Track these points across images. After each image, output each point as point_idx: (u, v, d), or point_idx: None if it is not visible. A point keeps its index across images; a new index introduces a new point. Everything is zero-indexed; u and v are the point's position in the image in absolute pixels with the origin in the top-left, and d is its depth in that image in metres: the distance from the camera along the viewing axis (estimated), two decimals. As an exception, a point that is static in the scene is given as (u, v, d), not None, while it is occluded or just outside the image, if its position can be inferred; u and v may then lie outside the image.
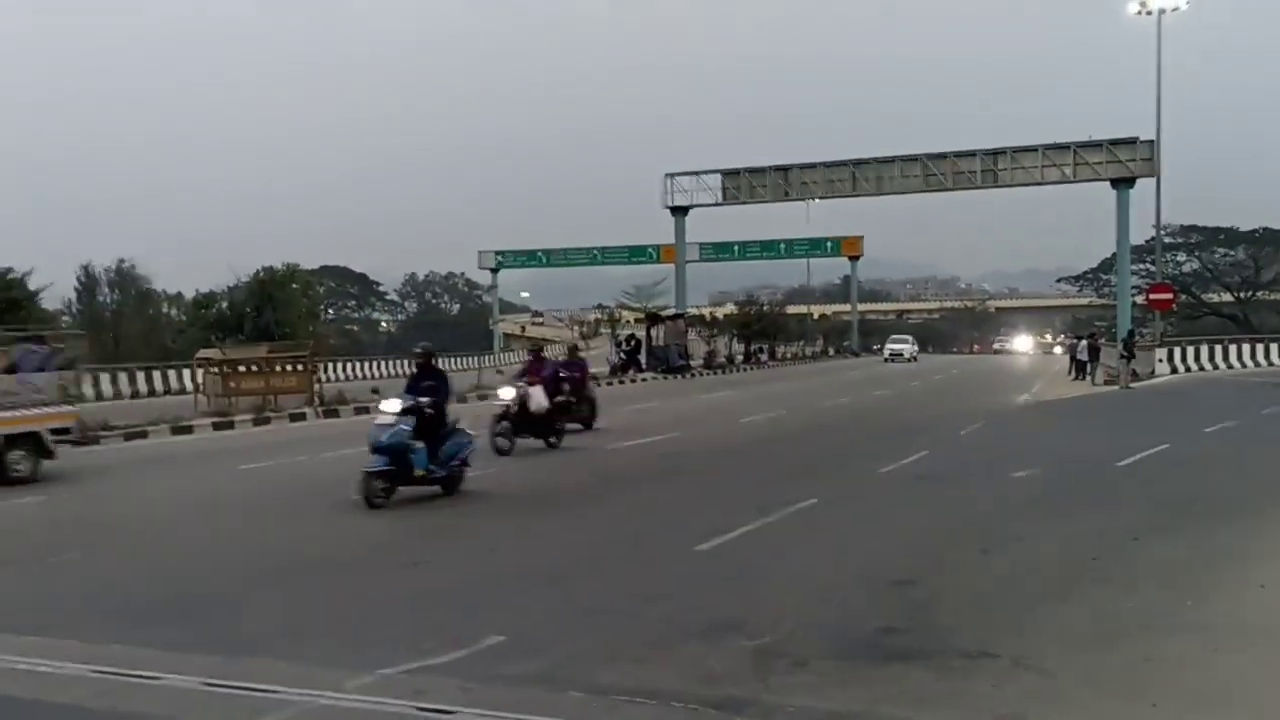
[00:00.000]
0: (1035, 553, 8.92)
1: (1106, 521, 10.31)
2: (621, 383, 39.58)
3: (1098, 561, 8.49)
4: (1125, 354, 33.63)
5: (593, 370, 39.62)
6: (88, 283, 78.26)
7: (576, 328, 76.61)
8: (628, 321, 52.33)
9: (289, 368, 26.75)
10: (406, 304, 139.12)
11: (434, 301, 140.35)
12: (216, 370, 25.94)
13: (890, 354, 60.50)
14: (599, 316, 62.06)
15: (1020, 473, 13.97)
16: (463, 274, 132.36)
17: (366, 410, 25.55)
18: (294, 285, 69.00)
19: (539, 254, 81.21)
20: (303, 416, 23.87)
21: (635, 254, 75.33)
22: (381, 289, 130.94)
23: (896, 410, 25.89)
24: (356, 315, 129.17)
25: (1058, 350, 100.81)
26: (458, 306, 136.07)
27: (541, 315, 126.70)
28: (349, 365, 57.49)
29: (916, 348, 64.06)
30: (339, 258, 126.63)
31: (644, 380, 40.81)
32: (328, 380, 48.95)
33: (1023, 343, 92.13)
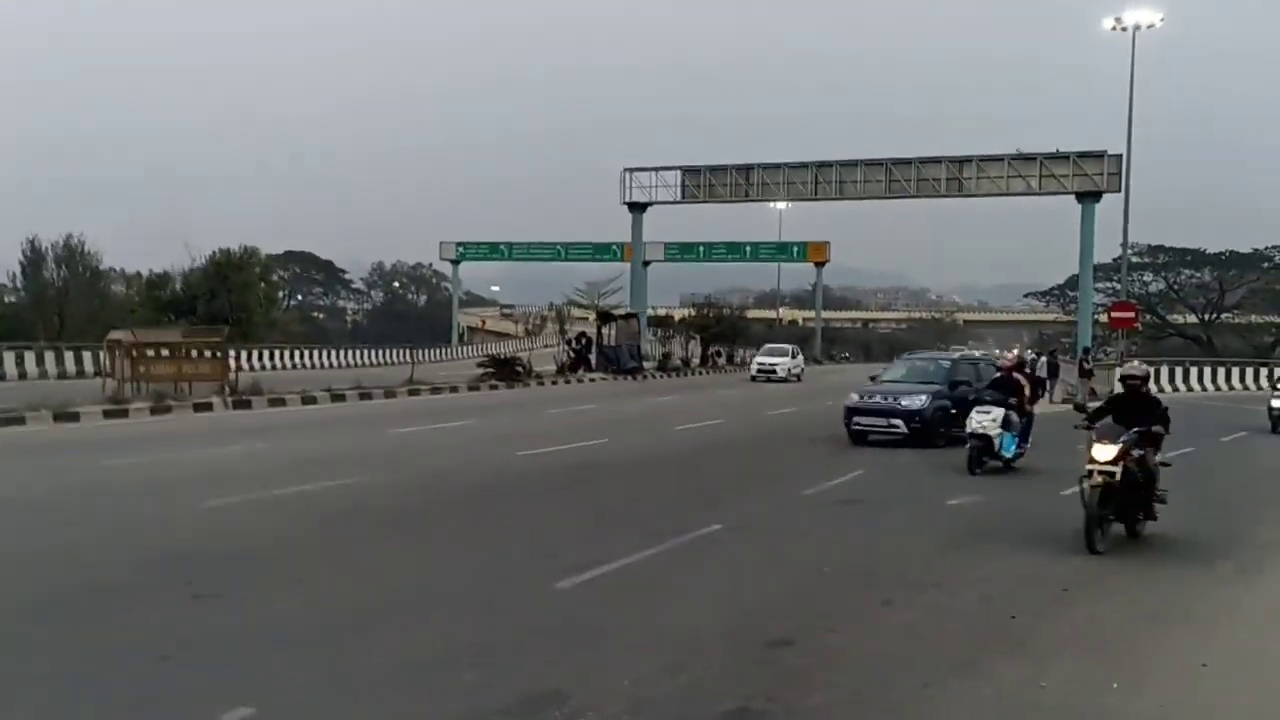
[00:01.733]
0: (947, 605, 7.66)
1: (1036, 565, 9.09)
2: (568, 382, 38.21)
3: (1016, 620, 7.23)
4: (1083, 372, 32.71)
5: (537, 368, 38.53)
6: (33, 257, 75.88)
7: (520, 324, 74.97)
8: (576, 319, 50.96)
9: (204, 354, 25.20)
10: (373, 293, 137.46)
11: (401, 291, 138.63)
12: (127, 353, 24.36)
13: (758, 369, 44.28)
14: (546, 314, 60.46)
15: (955, 500, 12.78)
16: (430, 265, 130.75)
17: (283, 402, 24.20)
18: (254, 269, 67.58)
19: (501, 247, 79.63)
20: (209, 407, 22.30)
21: (600, 251, 73.97)
22: (347, 277, 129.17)
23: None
24: (322, 302, 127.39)
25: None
26: (425, 298, 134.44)
27: (513, 308, 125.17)
28: (304, 353, 55.78)
29: (801, 362, 47.84)
30: (306, 245, 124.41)
31: (591, 381, 39.44)
32: (275, 368, 47.66)
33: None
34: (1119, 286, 48.41)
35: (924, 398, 18.90)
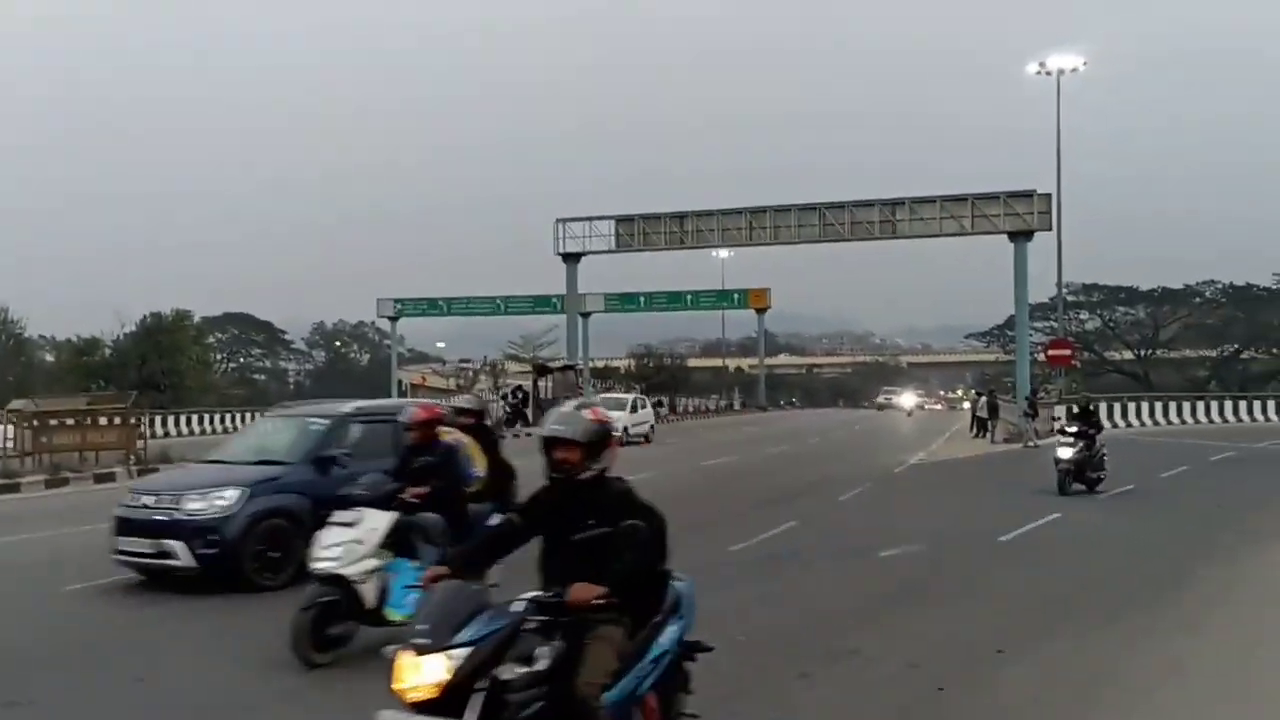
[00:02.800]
0: (869, 675, 6.91)
1: (970, 624, 8.38)
2: (503, 437, 37.12)
3: (944, 693, 6.49)
4: (1029, 412, 32.64)
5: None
6: (-49, 326, 73.49)
7: (451, 380, 73.61)
8: (514, 374, 50.01)
9: (112, 421, 23.98)
10: (314, 353, 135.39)
11: (344, 351, 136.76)
12: (27, 424, 23.09)
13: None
14: (478, 368, 59.18)
15: (890, 551, 12.07)
16: (373, 323, 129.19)
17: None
18: (187, 332, 65.96)
19: (440, 302, 78.41)
20: (112, 477, 21.08)
21: (540, 303, 72.90)
22: (288, 338, 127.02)
23: (782, 470, 24.02)
24: (263, 364, 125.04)
25: (965, 405, 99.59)
26: (368, 356, 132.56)
27: (470, 363, 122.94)
28: (236, 416, 54.07)
29: (648, 415, 38.08)
30: (244, 308, 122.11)
31: (528, 435, 38.46)
32: (206, 432, 46.01)
33: (907, 400, 70.91)
34: (1056, 325, 48.61)
35: (231, 494, 10.04)
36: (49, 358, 74.78)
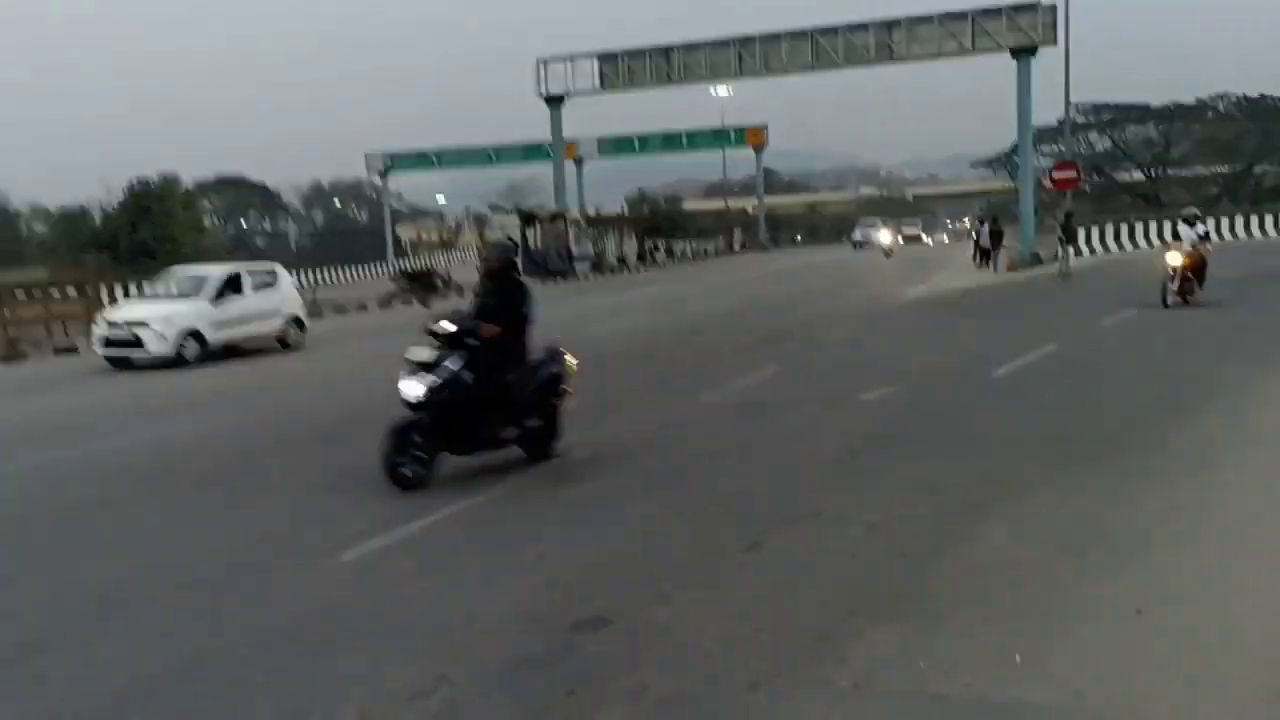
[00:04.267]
0: (826, 542, 6.14)
1: (948, 474, 7.60)
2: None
3: (907, 560, 5.72)
4: (1063, 237, 30.36)
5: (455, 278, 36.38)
6: (-74, 195, 72.01)
7: (433, 233, 72.11)
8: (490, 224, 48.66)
9: (78, 292, 23.12)
10: (312, 214, 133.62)
11: (341, 210, 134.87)
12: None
13: None
14: (461, 219, 57.69)
15: (872, 394, 11.24)
16: (370, 181, 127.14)
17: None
18: (176, 198, 64.58)
19: (430, 155, 76.54)
20: (74, 350, 20.34)
21: (531, 152, 70.84)
22: (284, 200, 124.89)
23: (773, 310, 23.14)
24: (261, 227, 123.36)
25: (944, 238, 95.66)
26: (366, 214, 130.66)
27: (490, 214, 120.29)
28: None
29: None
30: (236, 171, 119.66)
31: (519, 287, 37.54)
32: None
33: (884, 236, 56.07)
34: (1063, 149, 46.79)
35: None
36: (40, 228, 73.73)
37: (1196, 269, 18.57)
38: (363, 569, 6.06)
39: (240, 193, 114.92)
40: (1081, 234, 36.97)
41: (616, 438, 9.58)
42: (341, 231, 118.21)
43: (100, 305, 22.70)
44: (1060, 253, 29.34)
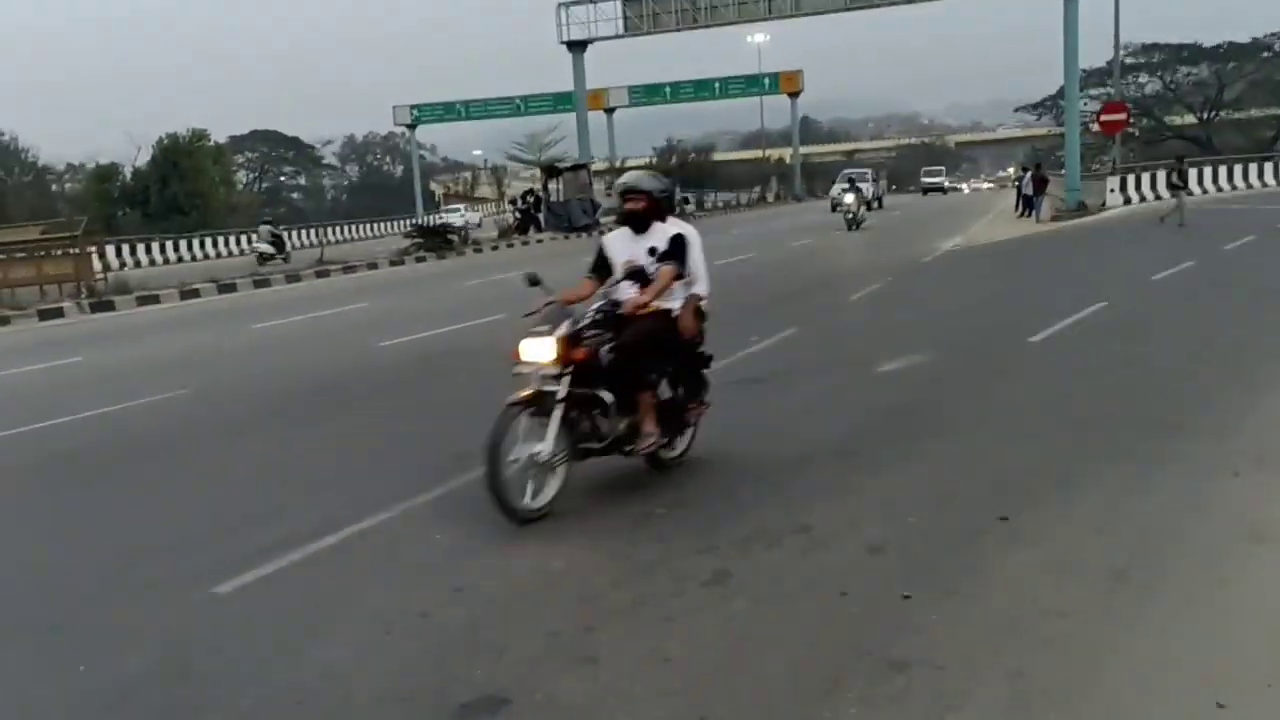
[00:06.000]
0: (807, 572, 4.86)
1: (970, 472, 6.30)
2: (510, 245, 35.04)
3: (909, 605, 4.44)
4: (1178, 183, 25.97)
5: (474, 233, 35.26)
6: (-46, 150, 71.98)
7: (449, 185, 71.05)
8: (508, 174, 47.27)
9: (65, 252, 22.14)
10: (347, 168, 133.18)
11: (375, 164, 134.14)
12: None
13: None
14: (479, 170, 56.19)
15: (893, 364, 9.92)
16: (403, 134, 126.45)
17: (156, 300, 21.22)
18: (205, 153, 63.98)
19: (458, 106, 74.84)
20: (59, 313, 19.38)
21: (561, 101, 68.89)
22: (319, 154, 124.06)
23: (796, 268, 21.73)
24: (296, 182, 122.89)
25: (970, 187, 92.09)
26: (401, 168, 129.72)
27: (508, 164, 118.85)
28: (246, 236, 52.10)
29: None
30: (273, 125, 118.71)
31: (539, 242, 36.31)
32: (211, 256, 44.34)
33: (848, 196, 33.26)
34: (1112, 91, 44.52)
35: None
36: (70, 186, 73.40)
37: None
38: (232, 610, 4.87)
39: (275, 147, 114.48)
40: (1132, 181, 35.01)
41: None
42: (375, 186, 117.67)
43: (90, 266, 21.74)
44: (1176, 200, 25.60)
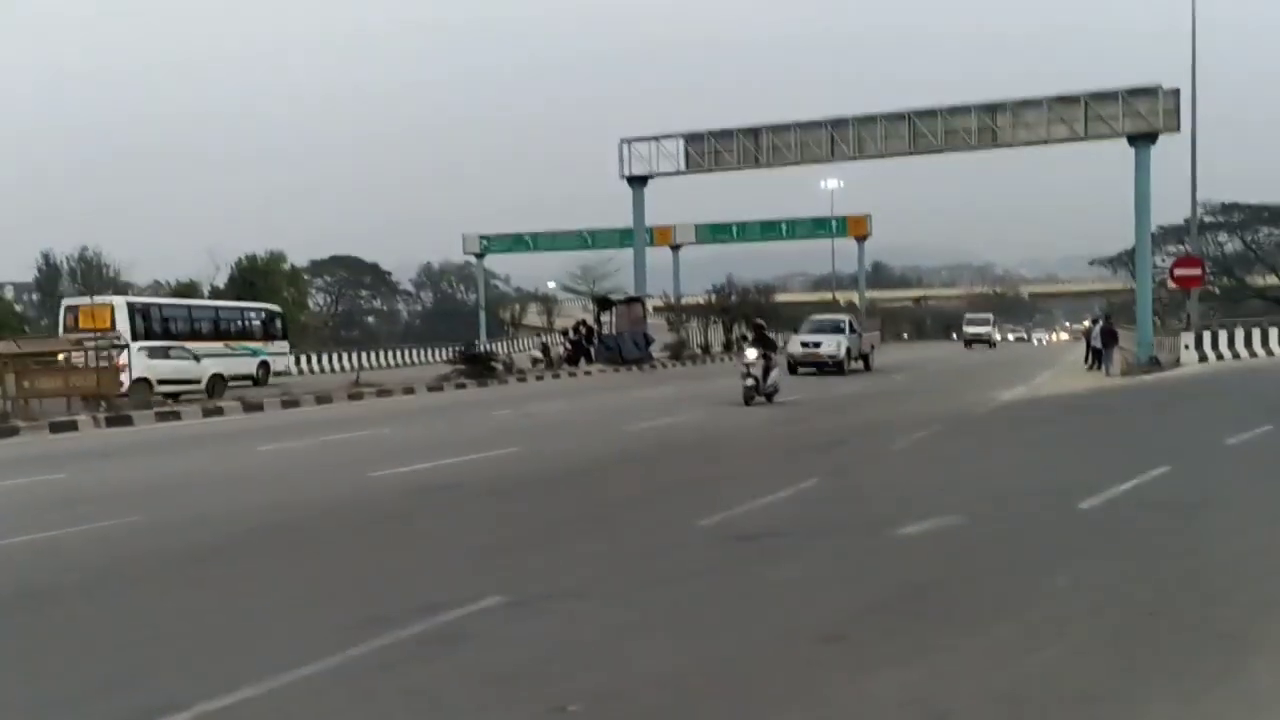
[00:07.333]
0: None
1: (981, 672, 5.03)
2: (556, 376, 34.32)
3: None
4: None
5: (518, 364, 34.56)
6: (48, 271, 74.46)
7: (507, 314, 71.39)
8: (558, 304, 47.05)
9: (95, 363, 21.80)
10: (421, 294, 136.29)
11: (449, 291, 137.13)
12: (7, 367, 21.06)
13: None
14: (528, 301, 56.20)
15: (918, 526, 8.67)
16: (477, 263, 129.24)
17: (178, 416, 20.70)
18: (281, 274, 65.49)
19: (525, 238, 75.98)
20: (72, 426, 18.83)
21: (626, 237, 69.51)
22: (394, 280, 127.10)
23: (838, 410, 20.55)
24: (371, 306, 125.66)
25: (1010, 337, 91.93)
26: (474, 296, 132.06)
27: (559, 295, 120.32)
28: (309, 357, 52.53)
29: None
30: (351, 251, 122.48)
31: (587, 374, 35.57)
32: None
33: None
34: (1189, 248, 43.21)
35: None
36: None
37: None
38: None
39: (353, 272, 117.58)
40: (1208, 337, 33.39)
41: (595, 568, 7.22)
42: (448, 312, 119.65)
43: (114, 379, 21.34)
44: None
